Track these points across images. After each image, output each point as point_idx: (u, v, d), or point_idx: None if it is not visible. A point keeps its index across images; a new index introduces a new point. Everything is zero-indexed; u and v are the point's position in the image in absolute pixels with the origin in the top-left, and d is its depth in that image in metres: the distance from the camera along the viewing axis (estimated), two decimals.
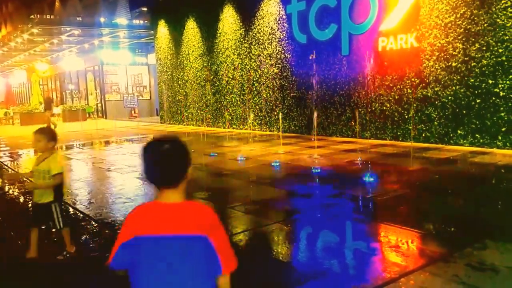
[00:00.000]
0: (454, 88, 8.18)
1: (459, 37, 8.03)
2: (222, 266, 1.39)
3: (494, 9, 7.48)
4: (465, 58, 7.96)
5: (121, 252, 1.38)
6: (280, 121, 11.82)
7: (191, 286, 1.34)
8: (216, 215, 1.45)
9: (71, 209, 4.86)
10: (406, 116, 9.04)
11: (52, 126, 17.32)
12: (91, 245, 3.73)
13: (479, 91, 7.81)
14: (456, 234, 3.66)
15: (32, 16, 19.78)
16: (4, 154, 10.40)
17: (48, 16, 21.33)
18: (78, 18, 21.75)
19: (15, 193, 5.98)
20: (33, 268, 3.29)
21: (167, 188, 1.42)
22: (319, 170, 6.38)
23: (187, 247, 1.34)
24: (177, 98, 17.29)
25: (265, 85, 12.66)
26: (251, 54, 13.07)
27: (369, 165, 6.28)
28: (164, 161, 1.41)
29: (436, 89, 8.46)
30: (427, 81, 8.58)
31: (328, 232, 3.86)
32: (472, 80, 7.89)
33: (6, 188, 6.40)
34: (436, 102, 8.49)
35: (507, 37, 7.35)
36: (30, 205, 5.23)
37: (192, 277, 1.34)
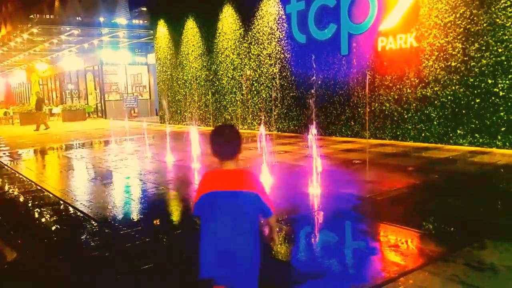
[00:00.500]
0: (453, 87, 8.19)
1: (458, 37, 8.03)
2: (271, 210, 2.08)
3: (493, 8, 7.49)
4: (465, 58, 7.97)
5: (200, 202, 2.01)
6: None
7: (245, 225, 1.99)
8: (258, 178, 2.13)
9: (70, 209, 4.86)
10: (406, 116, 9.05)
11: (43, 127, 17.33)
12: (91, 244, 3.74)
13: (479, 90, 7.82)
14: (455, 233, 3.67)
15: (31, 16, 19.78)
16: (4, 154, 10.40)
17: (47, 16, 21.34)
18: (77, 18, 21.76)
19: (15, 193, 5.99)
20: (33, 268, 3.29)
21: (227, 160, 2.06)
22: (318, 170, 6.38)
23: (242, 199, 1.99)
24: (176, 98, 17.30)
25: (264, 84, 12.67)
26: (250, 54, 13.08)
27: (369, 165, 6.29)
28: (227, 142, 2.07)
29: (435, 88, 8.47)
30: (427, 80, 8.59)
31: (327, 232, 3.86)
32: (472, 80, 7.90)
33: (6, 188, 6.40)
34: (436, 102, 8.49)
35: (507, 37, 7.36)
36: (30, 205, 5.24)
37: (244, 219, 2.00)
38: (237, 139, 2.09)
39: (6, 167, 8.33)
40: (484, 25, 7.64)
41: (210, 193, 2.00)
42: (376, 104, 9.60)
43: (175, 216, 4.63)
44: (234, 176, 2.04)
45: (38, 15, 20.29)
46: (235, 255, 1.97)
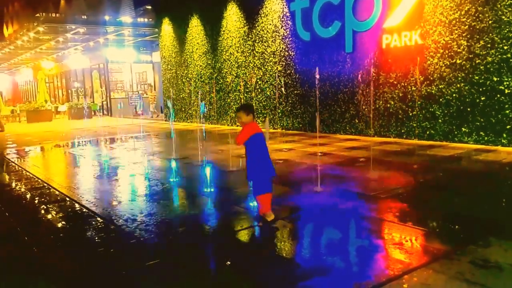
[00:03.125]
0: (458, 85, 8.15)
1: (463, 34, 7.99)
2: None
3: (499, 5, 7.44)
4: (470, 55, 7.93)
5: (251, 138, 3.93)
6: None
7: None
8: None
9: (77, 205, 4.91)
10: (410, 114, 9.02)
11: None
12: (97, 240, 3.78)
13: (484, 88, 7.78)
14: (460, 231, 3.67)
15: (38, 15, 19.89)
16: (11, 151, 10.50)
17: (53, 15, 21.46)
18: (83, 16, 21.86)
19: (22, 189, 6.05)
20: (40, 264, 3.34)
21: (253, 118, 4.07)
22: (322, 167, 6.39)
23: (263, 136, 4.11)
24: (181, 96, 17.34)
25: (268, 82, 12.67)
26: (254, 52, 13.08)
27: (373, 163, 6.28)
28: (253, 110, 4.15)
29: (440, 86, 8.44)
30: (432, 78, 8.55)
31: (331, 229, 3.87)
32: (477, 78, 7.86)
33: (13, 184, 6.47)
34: (441, 100, 8.46)
35: None
36: (36, 201, 5.30)
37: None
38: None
39: (13, 164, 8.41)
40: (490, 22, 7.59)
41: (256, 134, 3.94)
42: (381, 102, 9.57)
43: (180, 213, 4.66)
44: (258, 126, 4.08)
45: (44, 13, 20.39)
46: (269, 159, 4.06)
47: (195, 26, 15.78)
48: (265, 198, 3.96)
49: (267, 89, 12.71)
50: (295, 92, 11.82)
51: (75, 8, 24.29)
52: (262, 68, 12.84)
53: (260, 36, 12.81)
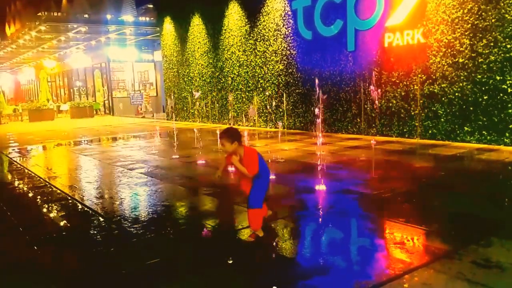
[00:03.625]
0: (461, 84, 8.12)
1: (466, 33, 7.95)
2: None
3: (502, 4, 7.40)
4: (472, 54, 7.89)
5: (261, 164, 3.55)
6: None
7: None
8: None
9: (79, 205, 4.92)
10: (413, 113, 8.99)
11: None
12: (98, 239, 3.78)
13: (487, 87, 7.74)
14: (461, 231, 3.65)
15: (39, 14, 19.95)
16: (13, 150, 10.52)
17: (55, 14, 21.51)
18: (84, 15, 21.89)
19: (24, 189, 6.06)
20: (41, 263, 3.34)
21: (239, 142, 3.55)
22: (323, 167, 6.38)
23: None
24: (183, 95, 17.35)
25: (270, 81, 12.65)
26: (256, 51, 13.06)
27: (374, 162, 6.26)
28: (235, 133, 3.55)
29: (443, 85, 8.40)
30: (434, 77, 8.52)
31: (332, 229, 3.86)
32: (480, 77, 7.82)
33: (16, 183, 6.48)
34: (443, 99, 8.43)
35: None
36: (38, 201, 5.30)
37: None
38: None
39: (14, 162, 8.43)
40: (493, 20, 7.55)
41: (260, 156, 3.59)
42: (383, 101, 9.54)
43: (181, 212, 4.66)
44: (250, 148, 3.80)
45: (46, 12, 20.45)
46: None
47: (197, 25, 15.77)
48: (260, 213, 3.61)
49: (269, 88, 12.70)
50: (297, 91, 11.80)
51: (77, 7, 24.33)
52: (264, 67, 12.82)
53: (261, 35, 12.79)
